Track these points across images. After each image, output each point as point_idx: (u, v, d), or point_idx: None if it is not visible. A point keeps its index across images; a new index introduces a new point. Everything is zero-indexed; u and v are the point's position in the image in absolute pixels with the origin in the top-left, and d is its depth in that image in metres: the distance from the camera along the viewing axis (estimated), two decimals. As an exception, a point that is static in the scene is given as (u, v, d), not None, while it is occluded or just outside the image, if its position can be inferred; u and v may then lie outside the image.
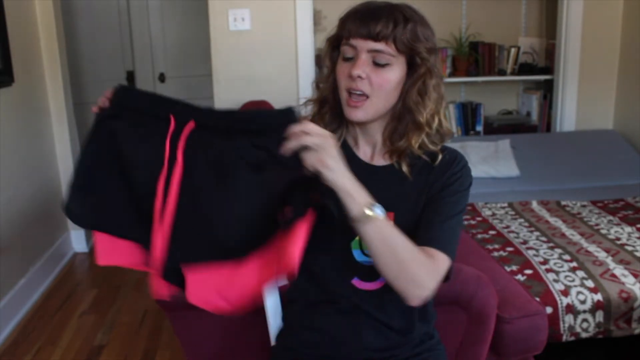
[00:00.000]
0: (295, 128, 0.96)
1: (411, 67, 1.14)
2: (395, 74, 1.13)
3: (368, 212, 0.99)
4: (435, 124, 1.16)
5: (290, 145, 0.95)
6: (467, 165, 1.21)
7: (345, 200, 0.99)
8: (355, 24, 1.12)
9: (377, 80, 1.12)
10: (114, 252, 1.03)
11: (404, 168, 1.18)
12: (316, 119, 1.23)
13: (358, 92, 1.13)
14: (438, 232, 1.14)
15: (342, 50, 1.15)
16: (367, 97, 1.13)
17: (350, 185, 0.99)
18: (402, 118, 1.17)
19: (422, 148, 1.17)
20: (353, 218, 1.00)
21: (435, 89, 1.15)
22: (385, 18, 1.10)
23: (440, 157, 1.18)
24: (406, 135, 1.16)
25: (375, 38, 1.10)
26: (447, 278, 1.17)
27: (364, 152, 1.23)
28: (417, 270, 1.06)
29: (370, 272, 1.19)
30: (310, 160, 0.95)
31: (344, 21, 1.15)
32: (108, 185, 1.03)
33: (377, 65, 1.12)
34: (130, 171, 1.02)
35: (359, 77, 1.11)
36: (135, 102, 1.03)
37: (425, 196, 1.18)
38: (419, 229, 1.16)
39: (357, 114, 1.15)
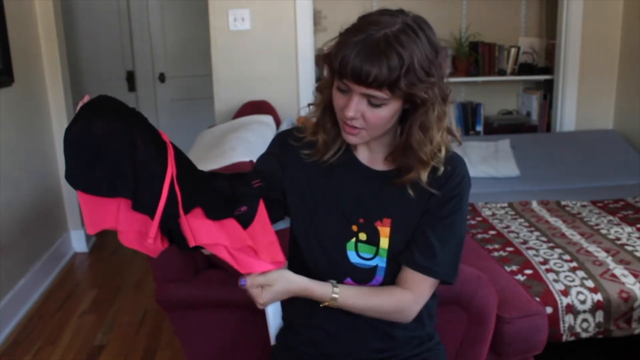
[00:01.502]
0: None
1: (410, 101, 1.08)
2: (390, 110, 1.08)
3: (331, 300, 1.15)
4: (442, 153, 1.13)
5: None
6: (465, 177, 1.18)
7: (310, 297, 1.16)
8: (349, 65, 1.02)
9: (371, 118, 1.08)
10: (102, 218, 1.04)
11: (410, 194, 1.16)
12: (318, 124, 1.21)
13: (353, 127, 1.11)
14: (429, 256, 1.16)
15: (336, 82, 1.09)
16: (363, 129, 1.11)
17: (303, 290, 1.15)
18: (407, 153, 1.13)
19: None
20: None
21: (439, 118, 1.10)
22: (379, 62, 1.00)
23: (442, 168, 1.16)
24: (414, 169, 1.14)
25: (368, 85, 1.03)
26: (448, 282, 1.20)
27: (363, 156, 1.23)
28: (395, 316, 1.19)
29: (365, 274, 1.19)
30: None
31: (338, 53, 1.05)
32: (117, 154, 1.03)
33: (372, 104, 1.07)
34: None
35: (353, 117, 1.08)
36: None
37: (425, 205, 1.18)
38: (413, 244, 1.17)
39: (352, 140, 1.14)
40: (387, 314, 1.19)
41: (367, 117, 1.09)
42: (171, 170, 1.05)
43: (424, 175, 1.14)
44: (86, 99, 1.04)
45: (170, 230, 1.06)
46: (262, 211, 1.14)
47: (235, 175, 1.17)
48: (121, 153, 1.01)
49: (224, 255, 1.10)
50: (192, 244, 1.06)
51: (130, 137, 1.02)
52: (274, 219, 1.19)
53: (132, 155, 1.02)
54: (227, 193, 1.12)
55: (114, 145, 1.00)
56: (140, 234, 1.06)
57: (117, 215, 1.04)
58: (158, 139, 1.05)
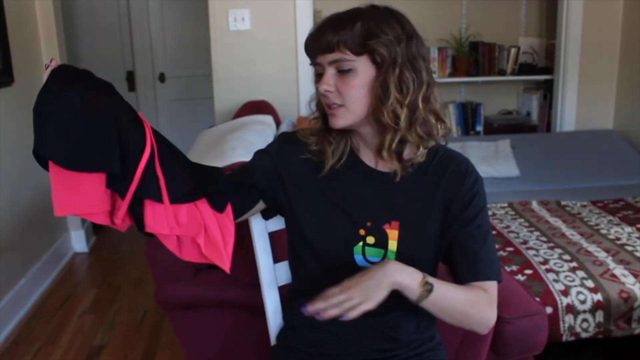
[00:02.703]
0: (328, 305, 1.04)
1: (377, 64, 1.10)
2: (361, 77, 1.09)
3: (424, 293, 1.06)
4: (402, 120, 1.09)
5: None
6: (479, 176, 1.19)
7: (404, 292, 1.07)
8: (310, 42, 1.13)
9: (344, 89, 1.10)
10: (74, 200, 0.99)
11: (395, 165, 1.15)
12: (321, 132, 1.21)
13: (333, 106, 1.12)
14: (481, 263, 1.15)
15: (314, 69, 1.16)
16: (342, 105, 1.12)
17: (400, 281, 1.05)
18: (373, 116, 1.13)
19: (413, 148, 1.14)
20: (414, 301, 1.08)
21: (401, 81, 1.08)
22: (334, 27, 1.09)
23: (423, 150, 1.15)
24: (379, 134, 1.14)
25: (327, 49, 1.09)
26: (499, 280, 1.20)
27: (367, 157, 1.22)
28: (480, 314, 1.13)
29: None
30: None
31: (305, 42, 1.16)
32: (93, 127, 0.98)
33: (342, 73, 1.10)
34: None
35: (327, 91, 1.11)
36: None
37: (442, 212, 1.17)
38: (460, 256, 1.16)
39: (336, 122, 1.14)
40: (473, 308, 1.12)
41: (341, 89, 1.10)
42: (149, 149, 1.01)
43: (388, 141, 1.11)
44: (54, 63, 0.98)
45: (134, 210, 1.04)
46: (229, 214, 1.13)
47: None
48: (105, 125, 0.96)
49: (170, 244, 1.09)
50: (148, 229, 1.05)
51: (113, 109, 0.97)
52: (248, 207, 1.20)
53: (116, 127, 0.97)
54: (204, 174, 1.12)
55: (95, 117, 0.95)
56: (107, 213, 1.03)
57: (91, 195, 0.99)
58: (136, 116, 1.03)
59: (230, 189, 1.15)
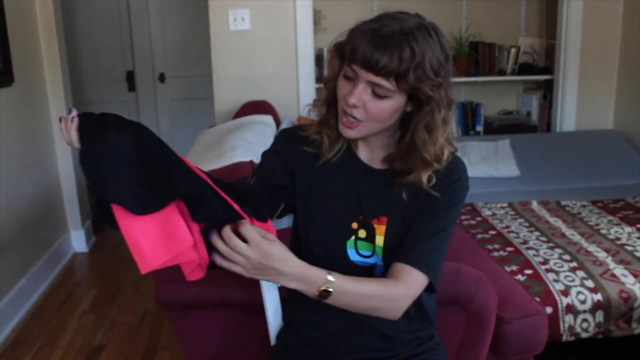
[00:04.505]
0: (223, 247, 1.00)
1: (415, 99, 1.09)
2: (392, 104, 1.08)
3: (326, 284, 1.05)
4: (445, 157, 1.13)
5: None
6: (463, 177, 1.19)
7: (299, 288, 1.06)
8: (360, 50, 1.04)
9: (373, 110, 1.09)
10: (157, 246, 0.93)
11: (404, 195, 1.17)
12: (322, 122, 1.22)
13: (352, 119, 1.11)
14: (419, 250, 1.14)
15: (344, 67, 1.10)
16: (362, 121, 1.11)
17: (297, 266, 1.04)
18: (410, 153, 1.13)
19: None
20: (313, 298, 1.07)
21: (444, 121, 1.11)
22: (390, 51, 1.02)
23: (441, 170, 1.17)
24: (415, 171, 1.14)
25: (377, 73, 1.04)
26: (432, 289, 1.17)
27: (364, 154, 1.23)
28: (388, 305, 1.13)
29: (365, 272, 1.20)
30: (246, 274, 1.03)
31: (351, 39, 1.08)
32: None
33: (375, 95, 1.08)
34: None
35: (355, 105, 1.09)
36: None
37: (420, 202, 1.18)
38: (405, 237, 1.17)
39: (349, 133, 1.14)
40: (380, 303, 1.13)
41: (369, 108, 1.09)
42: (199, 171, 1.01)
43: (425, 177, 1.14)
44: (74, 112, 0.96)
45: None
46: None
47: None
48: (154, 157, 0.94)
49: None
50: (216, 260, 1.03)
51: (152, 143, 0.95)
52: (277, 208, 1.20)
53: (163, 157, 0.95)
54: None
55: (142, 152, 0.93)
56: (193, 247, 0.99)
57: (174, 232, 0.93)
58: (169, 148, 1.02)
59: (263, 195, 1.14)
